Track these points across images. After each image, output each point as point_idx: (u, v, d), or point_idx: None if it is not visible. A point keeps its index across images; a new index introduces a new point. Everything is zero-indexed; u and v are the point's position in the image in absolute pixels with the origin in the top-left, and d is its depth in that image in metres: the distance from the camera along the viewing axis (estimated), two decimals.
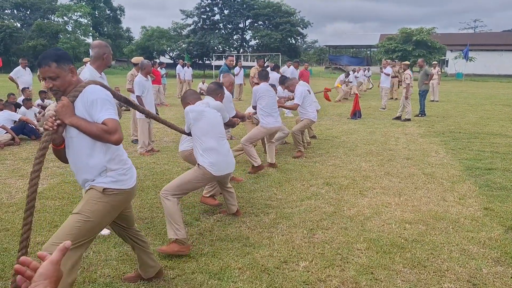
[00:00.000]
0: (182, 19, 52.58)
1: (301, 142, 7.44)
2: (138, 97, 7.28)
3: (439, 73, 19.69)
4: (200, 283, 3.12)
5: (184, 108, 4.03)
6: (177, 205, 3.68)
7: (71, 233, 2.39)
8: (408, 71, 12.76)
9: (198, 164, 3.87)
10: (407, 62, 14.56)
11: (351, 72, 21.26)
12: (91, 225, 2.45)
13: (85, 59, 13.80)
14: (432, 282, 3.16)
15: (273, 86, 6.88)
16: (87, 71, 3.94)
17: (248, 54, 51.07)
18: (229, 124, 4.83)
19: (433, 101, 17.14)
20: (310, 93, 7.68)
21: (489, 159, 7.14)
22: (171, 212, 3.62)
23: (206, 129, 3.87)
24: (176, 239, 3.53)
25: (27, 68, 12.77)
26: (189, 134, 3.98)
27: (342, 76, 19.45)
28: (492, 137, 9.31)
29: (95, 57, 4.01)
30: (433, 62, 18.98)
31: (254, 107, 6.58)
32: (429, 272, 3.30)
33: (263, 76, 6.64)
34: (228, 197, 4.36)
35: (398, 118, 12.29)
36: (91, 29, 53.65)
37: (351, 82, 19.39)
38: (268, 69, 12.28)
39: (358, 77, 21.67)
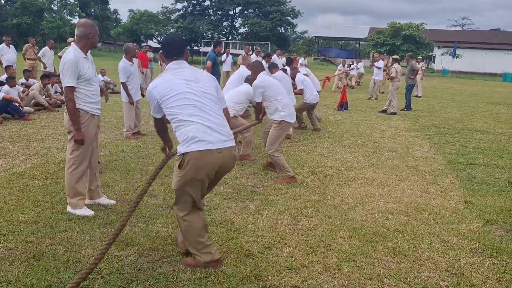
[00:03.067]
0: (172, 4, 51.85)
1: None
2: (123, 83, 7.17)
3: (423, 68, 19.89)
4: (185, 265, 3.13)
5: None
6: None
7: None
8: (396, 65, 12.86)
9: (281, 120, 5.22)
10: (396, 56, 14.63)
11: (350, 63, 21.80)
12: None
13: (69, 39, 13.62)
14: (412, 270, 3.24)
15: None
16: (71, 51, 3.83)
17: (237, 41, 50.75)
18: (258, 109, 5.43)
19: (416, 96, 17.27)
20: (308, 77, 7.95)
21: (471, 155, 7.27)
22: (282, 162, 5.20)
23: (278, 90, 5.28)
24: (290, 176, 5.19)
25: (11, 45, 12.52)
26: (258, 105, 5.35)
27: (340, 66, 19.95)
28: (475, 133, 9.48)
29: (80, 36, 3.86)
30: (418, 58, 19.15)
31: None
32: (410, 261, 3.38)
33: (274, 67, 7.02)
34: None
35: (384, 111, 12.40)
36: (78, 9, 52.60)
37: (352, 69, 20.06)
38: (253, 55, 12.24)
39: (359, 68, 21.96)
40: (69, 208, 4.00)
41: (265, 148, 5.62)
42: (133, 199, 4.42)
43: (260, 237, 3.68)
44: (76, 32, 3.93)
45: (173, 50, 3.07)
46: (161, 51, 3.15)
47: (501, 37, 54.28)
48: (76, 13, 51.97)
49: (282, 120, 5.28)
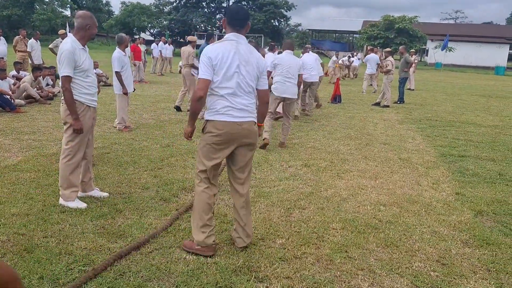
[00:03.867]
0: None
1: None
2: (117, 73, 7.15)
3: (416, 61, 19.96)
4: (177, 257, 3.14)
5: None
6: None
7: None
8: (390, 58, 12.89)
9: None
10: (389, 49, 14.66)
11: (350, 54, 22.26)
12: None
13: (60, 31, 13.46)
14: (403, 261, 3.27)
15: None
16: (68, 41, 3.82)
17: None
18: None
19: (408, 89, 17.30)
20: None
21: (463, 147, 7.33)
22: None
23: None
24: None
25: (1, 37, 12.40)
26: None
27: (334, 57, 20.22)
28: (467, 126, 9.54)
29: (78, 27, 3.86)
30: (410, 50, 19.23)
31: None
32: (401, 252, 3.41)
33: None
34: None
35: (377, 104, 12.44)
36: (69, 0, 52.04)
37: (353, 61, 20.50)
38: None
39: (359, 59, 22.30)
40: (61, 201, 3.99)
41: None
42: (126, 191, 4.42)
43: (253, 229, 3.69)
44: (74, 23, 3.91)
45: (237, 21, 3.15)
46: (224, 17, 3.22)
47: (494, 31, 54.55)
48: (68, 5, 51.49)
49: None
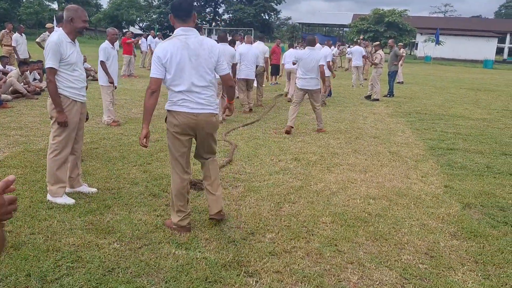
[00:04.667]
0: None
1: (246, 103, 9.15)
2: (102, 62, 7.10)
3: (404, 54, 20.05)
4: (167, 253, 3.13)
5: None
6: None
7: None
8: (380, 52, 12.89)
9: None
10: (378, 42, 14.67)
11: (342, 45, 22.66)
12: None
13: (47, 25, 13.25)
14: (392, 254, 3.29)
15: None
16: (55, 34, 3.83)
17: (221, 28, 50.28)
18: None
19: (397, 82, 17.31)
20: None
21: (452, 140, 7.39)
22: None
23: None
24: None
25: None
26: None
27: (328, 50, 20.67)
28: (456, 119, 9.62)
29: (64, 21, 3.85)
30: (399, 44, 19.29)
31: None
32: (390, 245, 3.43)
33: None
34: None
35: (368, 97, 12.47)
36: None
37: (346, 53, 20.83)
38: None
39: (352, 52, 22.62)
40: (49, 197, 3.94)
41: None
42: (115, 187, 4.39)
43: (243, 223, 3.69)
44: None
45: (182, 12, 3.24)
46: (170, 13, 3.30)
47: (483, 24, 54.95)
48: None
49: None
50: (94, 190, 4.24)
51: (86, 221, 3.58)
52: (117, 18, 46.91)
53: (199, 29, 10.17)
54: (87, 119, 4.34)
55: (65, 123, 3.82)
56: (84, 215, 3.70)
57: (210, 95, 3.32)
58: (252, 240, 3.41)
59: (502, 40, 54.98)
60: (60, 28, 4.00)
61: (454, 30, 49.43)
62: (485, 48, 47.96)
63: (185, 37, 3.21)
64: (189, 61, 3.18)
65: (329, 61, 9.77)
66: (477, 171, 5.60)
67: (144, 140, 3.30)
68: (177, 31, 3.24)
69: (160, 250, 3.16)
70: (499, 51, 54.37)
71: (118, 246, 3.19)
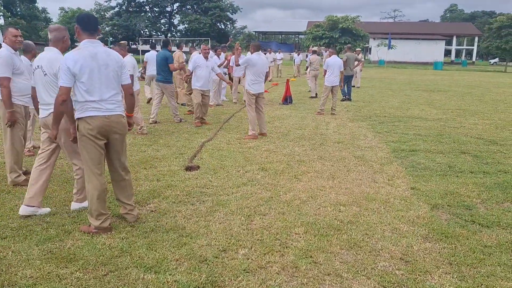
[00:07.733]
0: (106, 1, 49.86)
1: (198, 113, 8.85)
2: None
3: (363, 60, 20.62)
4: (135, 278, 2.93)
5: None
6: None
7: None
8: (315, 55, 14.40)
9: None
10: (314, 48, 16.81)
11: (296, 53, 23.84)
12: None
13: None
14: (368, 261, 3.24)
15: None
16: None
17: (177, 38, 49.84)
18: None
19: (353, 87, 17.64)
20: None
21: (413, 141, 7.54)
22: (252, 117, 7.59)
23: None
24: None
25: None
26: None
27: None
28: (414, 121, 9.86)
29: (54, 40, 4.01)
30: (356, 49, 19.79)
31: None
32: (365, 252, 3.38)
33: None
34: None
35: (349, 99, 13.58)
36: (2, 8, 49.25)
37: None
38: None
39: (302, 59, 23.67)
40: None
41: None
42: (74, 210, 4.13)
43: (213, 240, 3.54)
44: (49, 36, 4.06)
45: (90, 26, 3.51)
46: (76, 25, 3.50)
47: (431, 28, 57.40)
48: (1, 13, 48.66)
49: None
50: (47, 210, 4.06)
51: (44, 250, 3.32)
52: (69, 31, 45.51)
53: (168, 42, 9.67)
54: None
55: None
56: (42, 243, 3.43)
57: (119, 100, 3.60)
58: (225, 257, 3.26)
59: (449, 43, 57.63)
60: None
61: (405, 34, 51.36)
62: (434, 51, 50.07)
63: (94, 47, 3.48)
64: (98, 71, 3.43)
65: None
66: (440, 171, 5.70)
67: (55, 138, 3.71)
68: (84, 42, 3.48)
69: (127, 276, 2.96)
70: (447, 53, 56.93)
71: (81, 275, 2.96)
